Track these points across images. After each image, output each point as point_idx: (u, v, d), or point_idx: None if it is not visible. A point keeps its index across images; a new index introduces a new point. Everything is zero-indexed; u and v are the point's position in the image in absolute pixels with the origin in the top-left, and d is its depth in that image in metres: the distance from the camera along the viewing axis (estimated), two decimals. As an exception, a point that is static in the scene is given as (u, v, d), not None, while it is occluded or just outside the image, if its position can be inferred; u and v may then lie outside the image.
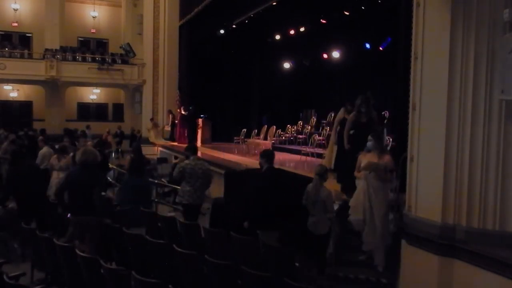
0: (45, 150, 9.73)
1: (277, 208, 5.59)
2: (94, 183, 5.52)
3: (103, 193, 6.88)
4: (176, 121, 18.03)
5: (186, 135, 17.25)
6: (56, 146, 9.60)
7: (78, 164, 5.85)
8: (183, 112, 17.89)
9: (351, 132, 7.29)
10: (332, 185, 7.06)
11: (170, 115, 18.70)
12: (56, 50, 22.64)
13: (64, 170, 8.20)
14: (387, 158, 5.89)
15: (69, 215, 5.83)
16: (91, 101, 25.62)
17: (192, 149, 7.41)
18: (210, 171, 7.41)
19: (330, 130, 13.76)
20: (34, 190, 7.03)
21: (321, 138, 12.73)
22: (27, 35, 24.32)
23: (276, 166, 6.18)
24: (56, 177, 8.26)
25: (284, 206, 5.66)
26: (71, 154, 8.49)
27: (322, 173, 5.84)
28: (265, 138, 14.61)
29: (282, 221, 5.73)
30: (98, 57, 23.07)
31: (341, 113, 8.55)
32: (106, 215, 5.86)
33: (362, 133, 6.75)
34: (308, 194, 5.84)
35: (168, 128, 18.69)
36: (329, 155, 9.36)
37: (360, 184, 6.03)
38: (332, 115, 15.01)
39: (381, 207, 5.81)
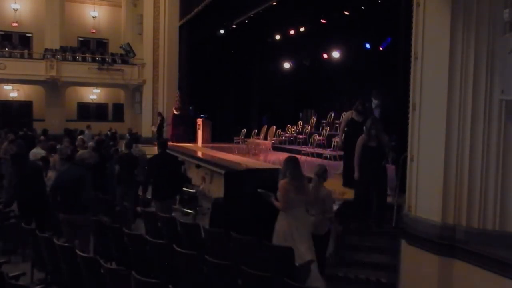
0: (33, 150, 9.77)
1: (165, 182, 7.51)
2: (81, 181, 5.59)
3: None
4: (168, 123, 18.57)
5: (180, 134, 17.70)
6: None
7: (70, 163, 6.01)
8: (175, 112, 18.34)
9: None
10: (331, 184, 7.03)
11: (159, 117, 19.16)
12: (56, 50, 22.61)
13: (51, 169, 8.61)
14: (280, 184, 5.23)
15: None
16: (91, 101, 25.59)
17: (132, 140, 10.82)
18: (145, 154, 10.67)
19: (330, 130, 13.82)
20: (35, 190, 7.04)
21: (321, 138, 12.73)
22: (27, 35, 24.29)
23: (276, 166, 6.22)
24: (45, 176, 8.52)
25: (172, 182, 7.70)
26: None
27: (321, 173, 5.83)
28: (265, 138, 14.61)
29: (172, 193, 8.00)
30: (98, 57, 23.04)
31: (349, 113, 8.31)
32: (100, 214, 5.88)
33: (372, 159, 6.42)
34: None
35: (154, 129, 18.94)
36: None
37: None
38: (332, 115, 15.05)
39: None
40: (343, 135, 8.41)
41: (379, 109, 7.87)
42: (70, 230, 5.76)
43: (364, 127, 6.72)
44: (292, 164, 5.36)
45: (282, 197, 5.21)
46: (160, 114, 19.31)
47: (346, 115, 8.41)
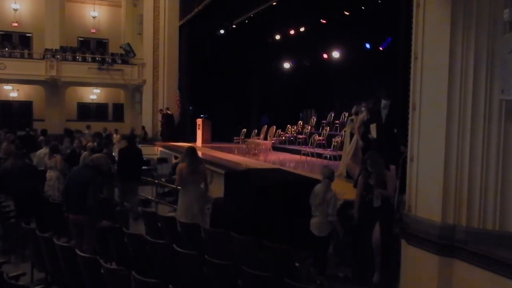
0: (41, 151, 9.79)
1: (130, 167, 9.38)
2: (88, 182, 5.57)
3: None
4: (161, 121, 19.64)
5: (172, 133, 18.44)
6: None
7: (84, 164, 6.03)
8: (168, 112, 18.85)
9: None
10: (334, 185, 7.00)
11: (142, 131, 20.23)
12: (56, 50, 22.59)
13: (53, 169, 8.67)
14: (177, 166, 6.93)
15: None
16: (91, 101, 25.57)
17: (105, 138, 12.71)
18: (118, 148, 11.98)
19: (330, 130, 13.82)
20: (27, 190, 7.07)
21: (321, 138, 12.73)
22: (27, 35, 24.27)
23: (276, 165, 6.22)
24: (48, 176, 8.66)
25: (135, 168, 9.59)
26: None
27: (330, 175, 5.86)
28: (265, 138, 14.63)
29: (135, 177, 9.58)
30: (98, 57, 23.03)
31: (364, 114, 8.28)
32: (102, 216, 5.87)
33: (371, 198, 5.86)
34: (316, 195, 5.85)
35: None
36: (343, 162, 9.27)
37: None
38: (332, 115, 15.06)
39: None
40: (360, 137, 8.27)
41: (387, 109, 7.74)
42: (76, 231, 5.75)
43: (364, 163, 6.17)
44: (190, 152, 6.85)
45: (177, 175, 6.83)
46: (143, 128, 20.60)
47: (361, 116, 8.33)
